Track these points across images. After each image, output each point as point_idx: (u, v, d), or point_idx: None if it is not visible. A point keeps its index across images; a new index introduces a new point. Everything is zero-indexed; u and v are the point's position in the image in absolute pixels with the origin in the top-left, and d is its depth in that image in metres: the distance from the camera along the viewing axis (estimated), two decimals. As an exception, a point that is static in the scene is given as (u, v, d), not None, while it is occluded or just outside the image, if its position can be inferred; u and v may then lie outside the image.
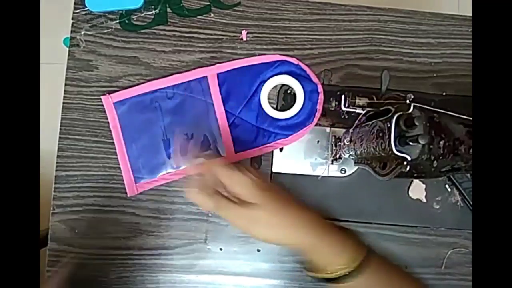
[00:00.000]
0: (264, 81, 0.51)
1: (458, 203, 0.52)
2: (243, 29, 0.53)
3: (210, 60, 0.53)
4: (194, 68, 0.52)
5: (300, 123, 0.51)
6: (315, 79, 0.52)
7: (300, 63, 0.52)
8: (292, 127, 0.51)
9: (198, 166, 0.41)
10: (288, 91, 0.52)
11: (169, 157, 0.51)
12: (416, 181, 0.52)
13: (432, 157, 0.36)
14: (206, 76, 0.52)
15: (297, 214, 0.40)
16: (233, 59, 0.52)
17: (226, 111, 0.52)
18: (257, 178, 0.40)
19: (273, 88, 0.52)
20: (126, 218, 0.51)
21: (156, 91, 0.51)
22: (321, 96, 0.52)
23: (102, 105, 0.51)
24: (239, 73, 0.52)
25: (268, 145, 0.52)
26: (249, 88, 0.52)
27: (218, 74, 0.52)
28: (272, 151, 0.52)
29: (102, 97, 0.51)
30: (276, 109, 0.52)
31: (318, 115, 0.52)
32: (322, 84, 0.52)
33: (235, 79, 0.52)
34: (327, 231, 0.40)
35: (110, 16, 0.53)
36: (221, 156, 0.51)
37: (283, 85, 0.52)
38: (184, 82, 0.52)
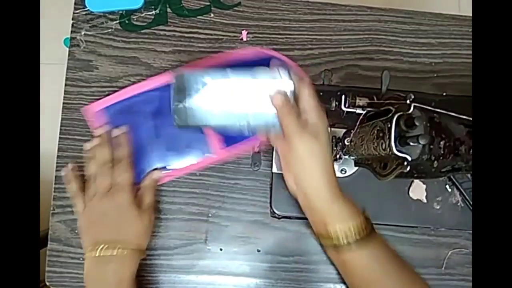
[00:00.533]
0: None
1: (459, 204, 0.52)
2: (243, 29, 0.53)
3: (210, 60, 0.53)
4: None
5: None
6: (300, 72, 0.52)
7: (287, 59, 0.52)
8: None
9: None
10: None
11: (157, 160, 0.51)
12: (416, 181, 0.52)
13: (433, 157, 0.36)
14: None
15: (332, 166, 0.43)
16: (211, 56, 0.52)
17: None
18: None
19: None
20: (126, 218, 0.51)
21: (136, 96, 0.51)
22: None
23: (102, 105, 0.51)
24: None
25: (253, 139, 0.51)
26: None
27: None
28: (272, 152, 0.52)
29: (82, 109, 0.51)
30: None
31: None
32: (322, 84, 0.52)
33: None
34: (344, 195, 0.44)
35: (110, 16, 0.53)
36: (208, 154, 0.51)
37: None
38: (163, 85, 0.51)
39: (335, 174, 0.43)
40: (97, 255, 0.44)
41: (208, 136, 0.51)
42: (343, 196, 0.43)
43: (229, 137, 0.51)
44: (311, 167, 0.42)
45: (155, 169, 0.51)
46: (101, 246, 0.44)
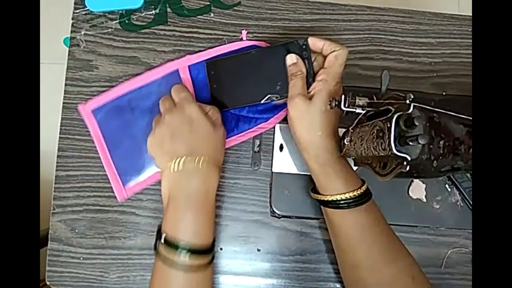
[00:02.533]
0: None
1: (458, 203, 0.52)
2: (243, 29, 0.53)
3: (210, 60, 0.53)
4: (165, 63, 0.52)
5: (278, 105, 0.51)
6: None
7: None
8: (271, 109, 0.51)
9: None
10: None
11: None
12: (416, 180, 0.52)
13: (432, 157, 0.36)
14: (177, 70, 0.51)
15: (337, 126, 0.44)
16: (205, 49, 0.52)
17: (202, 103, 0.51)
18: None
19: None
20: (126, 218, 0.51)
21: (131, 92, 0.51)
22: None
23: (102, 105, 0.51)
24: None
25: (250, 130, 0.51)
26: None
27: (189, 66, 0.51)
28: (272, 151, 0.52)
29: (78, 106, 0.51)
30: None
31: None
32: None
33: None
34: (343, 157, 0.44)
35: (110, 16, 0.53)
36: None
37: None
38: (157, 79, 0.51)
39: (331, 138, 0.43)
40: (180, 168, 0.41)
41: None
42: (338, 164, 0.43)
43: (228, 129, 0.51)
44: (299, 132, 0.44)
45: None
46: (183, 159, 0.41)
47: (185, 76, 0.51)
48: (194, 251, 0.40)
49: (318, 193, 0.45)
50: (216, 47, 0.52)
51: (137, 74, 0.52)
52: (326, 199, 0.43)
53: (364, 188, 0.43)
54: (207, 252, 0.41)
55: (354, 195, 0.42)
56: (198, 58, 0.52)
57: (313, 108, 0.42)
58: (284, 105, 0.52)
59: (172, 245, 0.39)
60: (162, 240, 0.40)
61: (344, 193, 0.42)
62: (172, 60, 0.52)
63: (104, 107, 0.51)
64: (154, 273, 0.41)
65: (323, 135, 0.43)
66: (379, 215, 0.44)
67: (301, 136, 0.44)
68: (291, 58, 0.45)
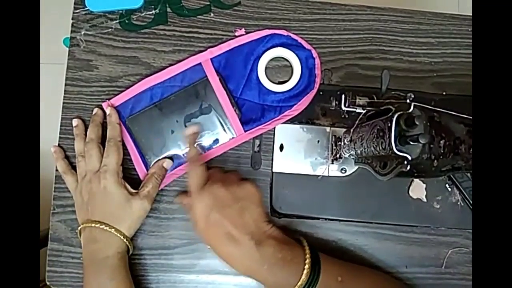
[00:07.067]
0: (258, 57, 0.52)
1: (459, 203, 0.52)
2: (241, 28, 0.53)
3: (210, 60, 0.53)
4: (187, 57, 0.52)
5: (302, 91, 0.52)
6: (307, 46, 0.52)
7: (290, 34, 0.52)
8: (295, 96, 0.52)
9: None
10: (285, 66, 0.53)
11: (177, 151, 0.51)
12: (416, 180, 0.52)
13: (433, 157, 0.36)
14: (200, 63, 0.51)
15: (231, 249, 0.42)
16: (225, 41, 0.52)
17: (227, 94, 0.51)
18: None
19: (269, 62, 0.52)
20: (126, 218, 0.51)
21: (153, 87, 0.51)
22: (317, 61, 0.52)
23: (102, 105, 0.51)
24: (232, 54, 0.52)
25: (275, 119, 0.52)
26: (244, 67, 0.52)
27: (211, 59, 0.52)
28: (273, 151, 0.52)
29: (102, 104, 0.51)
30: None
31: (318, 80, 0.52)
32: (322, 83, 0.52)
33: (229, 61, 0.52)
34: (261, 256, 0.42)
35: (110, 16, 0.53)
36: (232, 137, 0.51)
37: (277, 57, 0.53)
38: (179, 73, 0.51)
39: (241, 240, 0.42)
40: (87, 233, 0.46)
41: (230, 119, 0.51)
42: (267, 266, 0.41)
43: (249, 119, 0.52)
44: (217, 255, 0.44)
45: (170, 158, 0.51)
46: (90, 225, 0.46)
47: (209, 69, 0.51)
48: None
49: None
50: (237, 38, 0.52)
51: (149, 75, 0.52)
52: None
53: (306, 270, 0.42)
54: None
55: (303, 281, 0.41)
56: (219, 50, 0.52)
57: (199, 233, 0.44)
58: (307, 91, 0.52)
59: None
60: None
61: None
62: (176, 60, 0.52)
63: (127, 104, 0.51)
64: None
65: (230, 249, 0.42)
66: (336, 274, 0.44)
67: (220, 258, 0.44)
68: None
